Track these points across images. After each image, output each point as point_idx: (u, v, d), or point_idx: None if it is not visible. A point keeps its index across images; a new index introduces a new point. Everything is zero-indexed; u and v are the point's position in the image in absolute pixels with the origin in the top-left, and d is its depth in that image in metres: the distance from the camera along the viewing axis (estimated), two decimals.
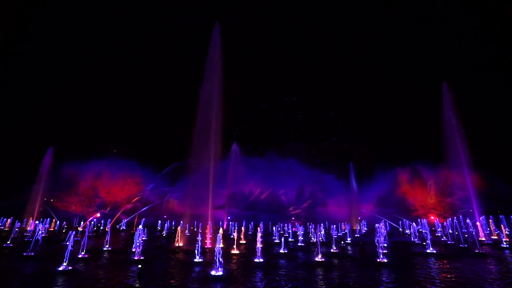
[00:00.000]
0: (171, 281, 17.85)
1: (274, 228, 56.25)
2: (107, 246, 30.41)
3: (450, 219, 53.26)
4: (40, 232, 29.04)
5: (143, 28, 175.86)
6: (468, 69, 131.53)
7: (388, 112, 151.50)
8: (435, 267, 23.18)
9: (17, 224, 37.15)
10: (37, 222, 50.22)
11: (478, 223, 43.14)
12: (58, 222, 53.65)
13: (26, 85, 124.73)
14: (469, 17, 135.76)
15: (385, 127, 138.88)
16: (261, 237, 26.97)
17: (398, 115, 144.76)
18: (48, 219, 56.49)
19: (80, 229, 46.27)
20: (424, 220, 57.99)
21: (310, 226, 50.87)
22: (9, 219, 58.97)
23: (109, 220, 64.42)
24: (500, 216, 46.91)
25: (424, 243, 35.03)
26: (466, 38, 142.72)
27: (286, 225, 57.62)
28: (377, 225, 27.60)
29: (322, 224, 51.68)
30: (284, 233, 51.59)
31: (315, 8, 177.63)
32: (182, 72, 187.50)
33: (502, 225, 43.16)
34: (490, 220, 47.24)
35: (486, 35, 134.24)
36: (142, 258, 24.45)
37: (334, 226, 49.52)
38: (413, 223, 51.86)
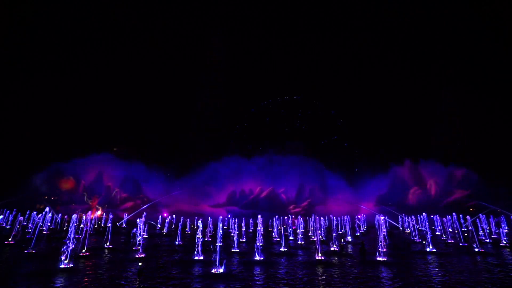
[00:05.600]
0: (171, 279, 17.91)
1: (274, 226, 56.29)
2: (107, 243, 30.49)
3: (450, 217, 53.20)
4: (41, 229, 29.09)
5: (143, 27, 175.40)
6: (468, 69, 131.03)
7: (388, 110, 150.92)
8: (434, 265, 23.23)
9: (20, 218, 37.28)
10: (37, 219, 50.26)
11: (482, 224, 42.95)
12: (59, 220, 53.68)
13: (27, 83, 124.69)
14: (467, 14, 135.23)
15: (386, 125, 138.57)
16: (261, 235, 27.07)
17: (398, 113, 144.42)
18: (49, 217, 56.43)
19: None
20: (424, 218, 57.90)
21: (311, 224, 50.85)
22: (10, 216, 58.98)
23: (110, 217, 64.35)
24: (500, 213, 46.94)
25: (424, 242, 35.09)
26: (464, 36, 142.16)
27: (286, 221, 57.67)
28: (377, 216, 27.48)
29: (322, 218, 51.56)
30: (284, 230, 51.62)
31: (315, 8, 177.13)
32: (182, 72, 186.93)
33: (501, 224, 43.21)
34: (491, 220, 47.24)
35: (484, 33, 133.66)
36: (142, 255, 24.53)
37: (334, 219, 49.57)
38: (413, 221, 51.83)
